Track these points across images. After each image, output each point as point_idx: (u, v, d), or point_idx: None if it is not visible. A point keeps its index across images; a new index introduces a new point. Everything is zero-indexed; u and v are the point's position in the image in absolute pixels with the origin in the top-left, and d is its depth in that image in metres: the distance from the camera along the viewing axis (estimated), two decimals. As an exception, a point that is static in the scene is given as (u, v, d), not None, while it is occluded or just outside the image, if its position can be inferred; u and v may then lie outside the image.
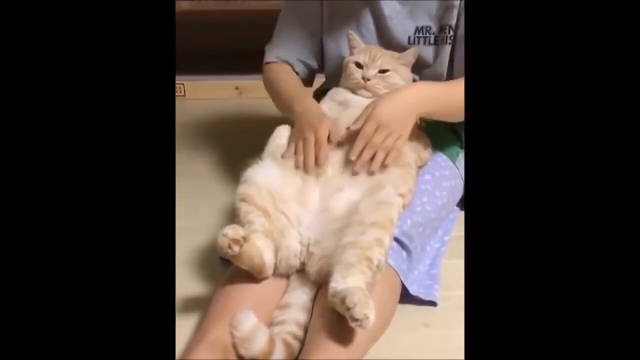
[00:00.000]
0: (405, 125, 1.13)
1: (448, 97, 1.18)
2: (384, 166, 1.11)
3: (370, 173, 1.10)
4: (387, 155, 1.11)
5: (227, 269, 1.07)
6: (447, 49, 1.29)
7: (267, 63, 1.40)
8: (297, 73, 1.38)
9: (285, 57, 1.38)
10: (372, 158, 1.11)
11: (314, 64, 1.41)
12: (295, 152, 1.14)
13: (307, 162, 1.11)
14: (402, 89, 1.17)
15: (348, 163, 1.11)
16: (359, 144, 1.11)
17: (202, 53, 2.15)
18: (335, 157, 1.13)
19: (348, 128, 1.14)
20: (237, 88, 2.17)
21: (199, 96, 2.15)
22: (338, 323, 0.92)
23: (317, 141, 1.12)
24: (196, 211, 1.42)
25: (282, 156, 1.15)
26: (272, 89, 1.36)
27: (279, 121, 1.25)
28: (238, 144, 1.75)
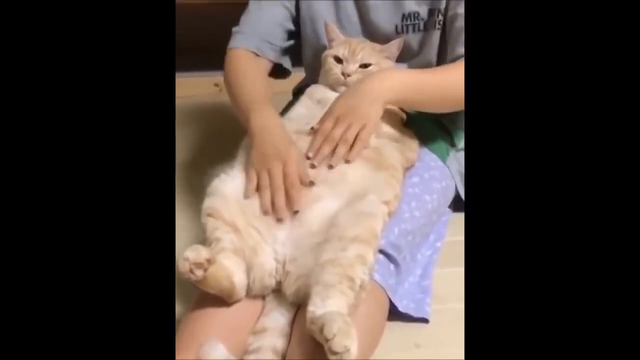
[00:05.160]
0: (369, 113, 1.04)
1: (424, 85, 1.09)
2: (347, 161, 1.02)
3: (330, 167, 1.01)
4: (352, 148, 1.02)
5: None
6: (437, 34, 1.20)
7: (231, 49, 1.27)
8: (270, 61, 1.26)
9: (253, 41, 1.24)
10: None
11: (289, 44, 1.29)
12: (259, 187, 0.99)
13: (278, 204, 0.96)
14: (367, 78, 1.08)
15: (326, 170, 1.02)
16: (316, 140, 1.03)
17: (178, 47, 2.04)
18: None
19: (312, 128, 1.05)
20: (216, 84, 2.06)
21: (176, 94, 2.04)
22: (319, 351, 0.83)
23: (286, 177, 0.98)
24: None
25: (245, 196, 0.99)
26: (230, 84, 1.22)
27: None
28: (217, 144, 1.66)
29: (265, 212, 0.97)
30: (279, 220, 0.96)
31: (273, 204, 0.97)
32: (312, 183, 0.99)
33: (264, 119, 1.07)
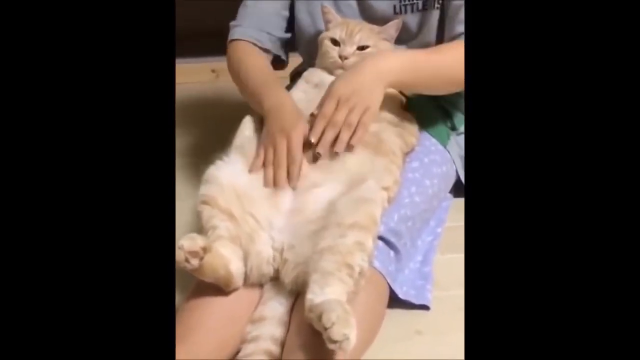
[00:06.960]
0: (371, 96, 1.01)
1: (424, 66, 1.06)
2: (350, 146, 0.99)
3: (334, 155, 0.98)
4: (354, 133, 0.99)
5: None
6: (436, 14, 1.16)
7: (232, 41, 1.24)
8: (267, 50, 1.24)
9: (252, 33, 1.22)
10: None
11: (287, 37, 1.26)
12: (264, 163, 1.00)
13: (278, 178, 0.97)
14: (367, 59, 1.05)
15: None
16: (318, 125, 1.00)
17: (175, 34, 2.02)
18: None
19: (312, 114, 1.02)
20: (213, 71, 2.05)
21: (173, 80, 2.02)
22: (318, 340, 0.81)
23: (289, 151, 0.98)
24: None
25: (250, 170, 1.00)
26: (236, 74, 1.20)
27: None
28: (215, 131, 1.63)
29: (267, 186, 0.98)
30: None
31: (275, 180, 0.98)
32: (316, 158, 0.99)
33: (275, 100, 1.06)
